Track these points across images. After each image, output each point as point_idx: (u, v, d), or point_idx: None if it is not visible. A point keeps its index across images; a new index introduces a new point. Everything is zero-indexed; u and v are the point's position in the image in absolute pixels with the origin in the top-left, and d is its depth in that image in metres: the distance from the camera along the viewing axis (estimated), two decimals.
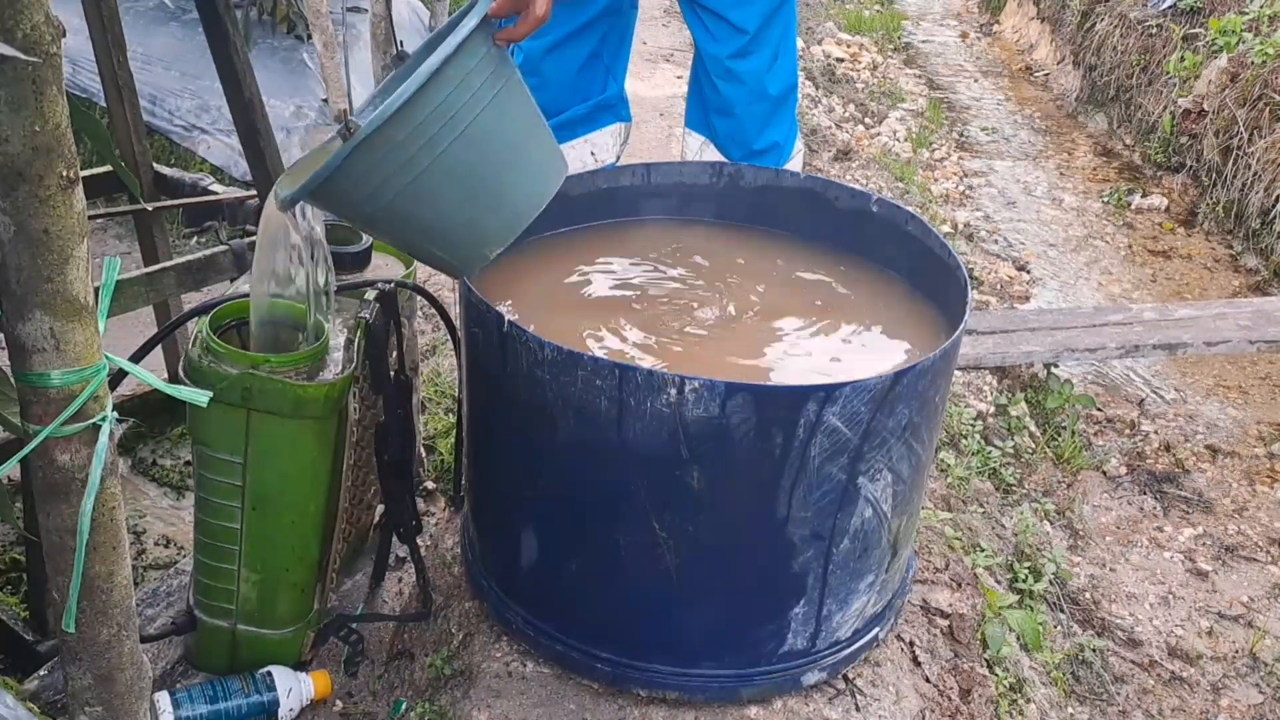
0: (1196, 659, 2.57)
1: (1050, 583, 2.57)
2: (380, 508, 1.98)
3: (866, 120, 5.44)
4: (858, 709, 1.71)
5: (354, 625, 1.87)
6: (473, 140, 1.40)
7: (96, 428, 1.03)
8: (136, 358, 1.54)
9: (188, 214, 2.55)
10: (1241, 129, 4.56)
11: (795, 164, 2.34)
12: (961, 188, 5.14)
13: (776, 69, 2.15)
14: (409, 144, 1.36)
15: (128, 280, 2.09)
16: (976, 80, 6.79)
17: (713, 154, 2.27)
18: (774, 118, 2.21)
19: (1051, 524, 2.92)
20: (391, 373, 1.78)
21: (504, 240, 1.52)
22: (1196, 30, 5.28)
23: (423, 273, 2.79)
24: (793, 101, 2.26)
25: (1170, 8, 5.54)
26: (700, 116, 2.27)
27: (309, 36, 4.01)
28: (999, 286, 4.19)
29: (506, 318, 1.52)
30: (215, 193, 2.51)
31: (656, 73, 5.29)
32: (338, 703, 1.82)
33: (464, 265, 1.57)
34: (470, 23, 1.37)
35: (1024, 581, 2.45)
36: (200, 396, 1.12)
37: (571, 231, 2.02)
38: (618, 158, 2.35)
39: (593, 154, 2.28)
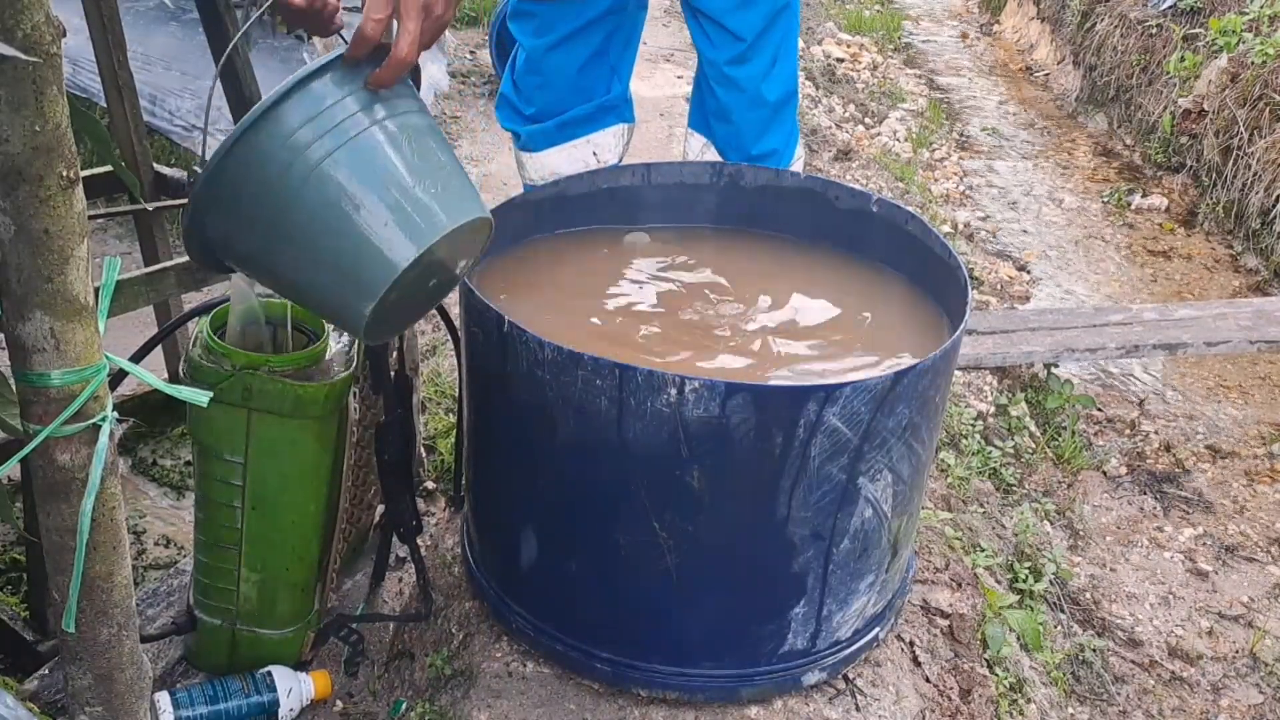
0: (1197, 659, 2.57)
1: (1050, 583, 2.57)
2: (380, 508, 1.98)
3: (866, 120, 5.44)
4: (858, 709, 1.71)
5: (354, 625, 1.87)
6: (322, 180, 1.26)
7: (97, 428, 1.03)
8: (137, 358, 1.54)
9: None
10: (1241, 129, 4.56)
11: (796, 170, 2.34)
12: (961, 188, 5.14)
13: (774, 76, 2.15)
14: (254, 173, 1.27)
15: (128, 280, 2.09)
16: (976, 80, 6.79)
17: (714, 156, 2.27)
18: (772, 124, 2.20)
19: (1051, 524, 2.92)
20: (391, 373, 1.78)
21: (365, 296, 1.30)
22: (1196, 30, 5.28)
23: None
24: (792, 108, 2.25)
25: (1170, 8, 5.54)
26: (702, 119, 2.27)
27: (309, 36, 4.01)
28: (999, 286, 4.19)
29: (506, 318, 1.52)
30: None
31: (657, 73, 5.29)
32: (338, 703, 1.82)
33: (344, 322, 1.38)
34: (313, 65, 1.29)
35: (1024, 581, 2.45)
36: (200, 396, 1.12)
37: (571, 231, 2.02)
38: (620, 159, 2.35)
39: (595, 154, 2.28)
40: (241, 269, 1.42)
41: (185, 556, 2.27)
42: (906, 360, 1.70)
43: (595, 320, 1.83)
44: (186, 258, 2.21)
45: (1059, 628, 2.51)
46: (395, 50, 1.32)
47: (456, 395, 2.13)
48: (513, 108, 2.28)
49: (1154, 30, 5.59)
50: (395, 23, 1.36)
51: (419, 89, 1.45)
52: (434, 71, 4.85)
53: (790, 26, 2.16)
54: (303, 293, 1.37)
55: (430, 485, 2.27)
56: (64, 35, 0.93)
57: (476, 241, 1.41)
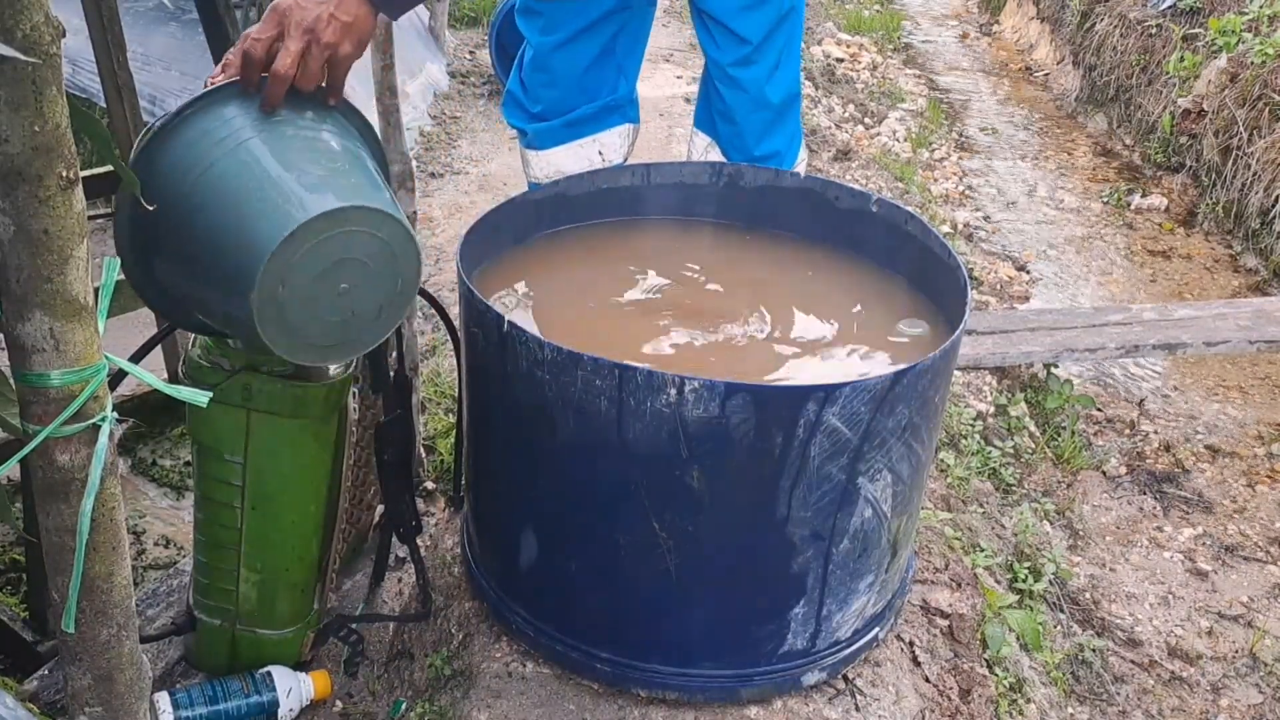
0: (1196, 659, 2.57)
1: (1050, 583, 2.57)
2: (380, 508, 1.98)
3: (866, 120, 5.44)
4: (857, 709, 1.71)
5: (354, 625, 1.87)
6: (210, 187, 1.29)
7: (96, 428, 1.03)
8: (136, 358, 1.54)
9: None
10: (1241, 129, 4.56)
11: (798, 172, 2.34)
12: (961, 188, 5.14)
13: (778, 78, 2.16)
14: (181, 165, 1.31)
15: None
16: (976, 80, 6.79)
17: (718, 155, 2.27)
18: (775, 126, 2.21)
19: (1051, 524, 2.92)
20: (391, 373, 1.78)
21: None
22: (1196, 30, 5.28)
23: (422, 273, 2.78)
24: (795, 110, 2.26)
25: (1170, 8, 5.54)
26: (708, 118, 2.28)
27: None
28: (999, 286, 4.19)
29: (506, 318, 1.52)
30: None
31: (656, 73, 5.29)
32: (338, 703, 1.82)
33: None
34: (211, 90, 1.34)
35: (1024, 581, 2.45)
36: (200, 397, 1.12)
37: (570, 231, 2.02)
38: (624, 159, 2.36)
39: (600, 154, 2.29)
40: (183, 312, 1.44)
41: (185, 557, 2.27)
42: (906, 360, 1.70)
43: (595, 320, 1.83)
44: None
45: (1059, 628, 2.51)
46: (273, 67, 1.36)
47: (456, 395, 2.13)
48: (519, 105, 2.29)
49: (1153, 30, 5.59)
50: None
51: (376, 123, 1.47)
52: (433, 71, 4.85)
53: (795, 30, 2.18)
54: (213, 314, 1.38)
55: (430, 485, 2.27)
56: (64, 35, 0.93)
57: (398, 252, 1.34)
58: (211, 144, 1.30)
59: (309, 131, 1.37)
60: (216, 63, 2.18)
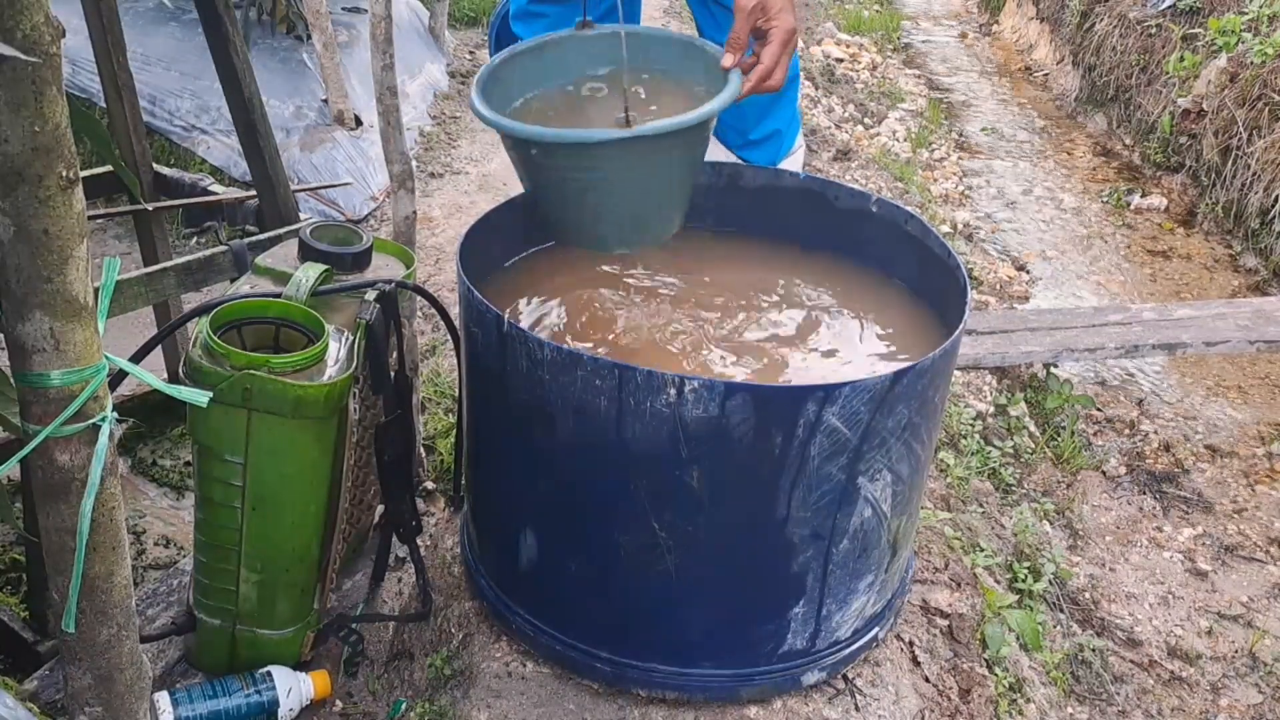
0: (1196, 659, 2.57)
1: (1050, 583, 2.57)
2: (380, 508, 1.98)
3: (866, 120, 5.44)
4: (857, 709, 1.71)
5: (354, 625, 1.87)
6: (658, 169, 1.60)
7: (96, 428, 1.03)
8: (137, 358, 1.54)
9: (188, 214, 2.55)
10: (1241, 129, 4.56)
11: (796, 160, 2.35)
12: (961, 188, 5.15)
13: None
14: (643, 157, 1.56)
15: (128, 280, 2.09)
16: (976, 80, 6.79)
17: (715, 145, 2.28)
18: (774, 107, 2.23)
19: (1051, 524, 2.92)
20: (391, 373, 1.78)
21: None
22: (1196, 30, 5.28)
23: (422, 273, 2.79)
24: (794, 92, 2.28)
25: (1170, 8, 5.54)
26: None
27: (309, 36, 4.01)
28: (999, 286, 4.19)
29: (506, 318, 1.52)
30: (215, 193, 2.51)
31: None
32: (338, 703, 1.82)
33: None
34: (721, 101, 1.57)
35: (1023, 581, 2.45)
36: (200, 397, 1.12)
37: None
38: None
39: None
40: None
41: (185, 556, 2.27)
42: (906, 360, 1.70)
43: (595, 320, 1.83)
44: (186, 258, 2.22)
45: (1058, 627, 2.51)
46: (769, 83, 1.62)
47: (456, 395, 2.13)
48: None
49: (1153, 30, 5.59)
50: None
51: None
52: (433, 71, 4.85)
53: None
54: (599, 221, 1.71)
55: (430, 485, 2.27)
56: (63, 35, 0.93)
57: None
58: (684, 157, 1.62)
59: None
60: (217, 63, 2.18)
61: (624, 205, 1.64)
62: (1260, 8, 4.92)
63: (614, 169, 1.57)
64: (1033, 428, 3.29)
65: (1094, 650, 2.46)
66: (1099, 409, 3.51)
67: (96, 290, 1.03)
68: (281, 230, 2.25)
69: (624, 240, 1.74)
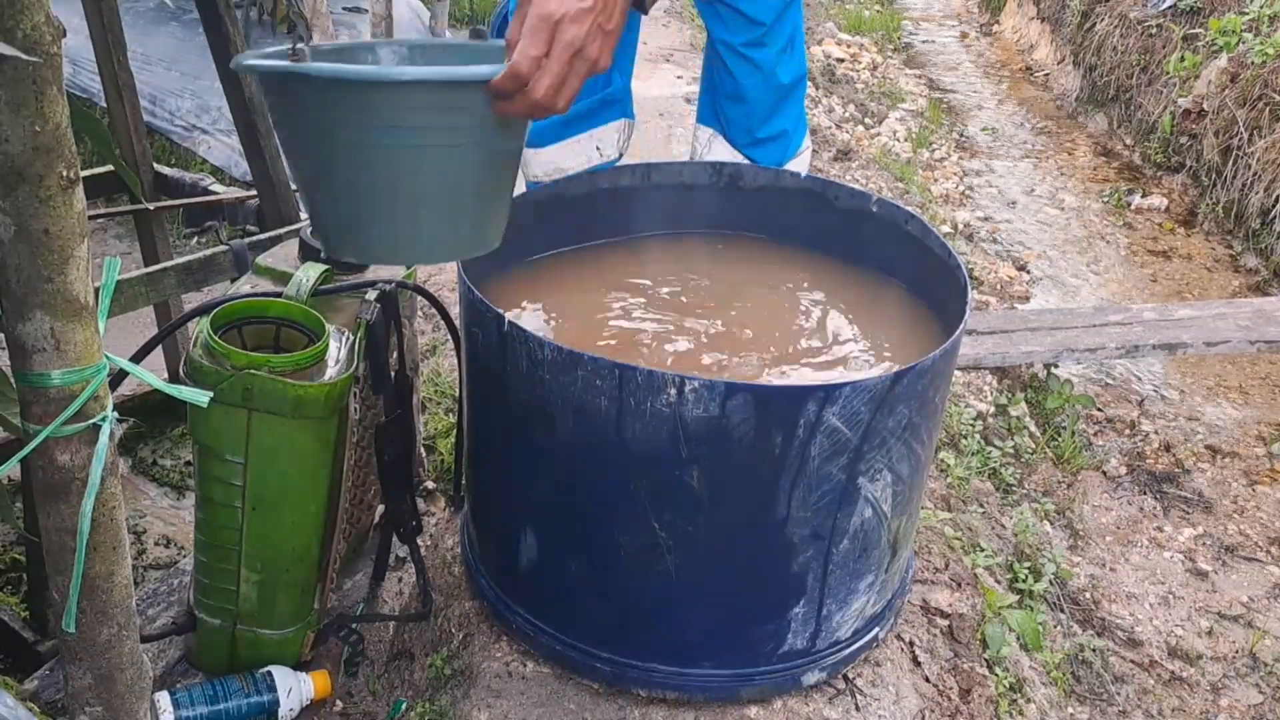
0: (1196, 659, 2.57)
1: (1050, 583, 2.57)
2: (380, 508, 1.98)
3: (866, 120, 5.44)
4: (858, 709, 1.71)
5: (354, 625, 1.87)
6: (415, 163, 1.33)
7: (97, 428, 1.03)
8: (137, 358, 1.54)
9: (188, 214, 2.55)
10: (1241, 129, 4.56)
11: (804, 161, 2.35)
12: (961, 188, 5.15)
13: (789, 58, 2.19)
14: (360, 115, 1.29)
15: (128, 280, 2.10)
16: (976, 80, 6.79)
17: (721, 146, 2.28)
18: (782, 106, 2.23)
19: (1051, 524, 2.92)
20: (391, 373, 1.78)
21: (401, 256, 1.50)
22: (1196, 30, 5.28)
23: (422, 273, 2.79)
24: (801, 92, 2.28)
25: (1170, 8, 5.54)
26: (710, 108, 2.29)
27: (309, 36, 4.01)
28: (999, 286, 4.19)
29: (506, 318, 1.52)
30: (215, 193, 2.51)
31: (656, 73, 5.29)
32: (338, 703, 1.82)
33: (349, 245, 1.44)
34: (476, 72, 1.29)
35: (1024, 581, 2.45)
36: (201, 397, 1.12)
37: (570, 232, 2.02)
38: (620, 154, 2.36)
39: (598, 149, 2.29)
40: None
41: (185, 556, 2.27)
42: (906, 360, 1.70)
43: (595, 320, 1.83)
44: (186, 258, 2.22)
45: (1059, 628, 2.51)
46: (536, 98, 1.26)
47: (456, 395, 2.14)
48: None
49: (1154, 30, 5.59)
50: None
51: None
52: None
53: (800, 14, 2.22)
54: (326, 202, 1.41)
55: (430, 485, 2.27)
56: (64, 35, 0.93)
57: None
58: (438, 127, 1.29)
59: (510, 143, 1.39)
60: (217, 63, 2.18)
61: (390, 185, 1.34)
62: (1261, 8, 4.92)
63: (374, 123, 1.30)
64: (1033, 428, 3.29)
65: (1094, 650, 2.46)
66: (1099, 409, 3.51)
67: (97, 290, 1.03)
68: (282, 230, 2.26)
69: (394, 242, 1.41)
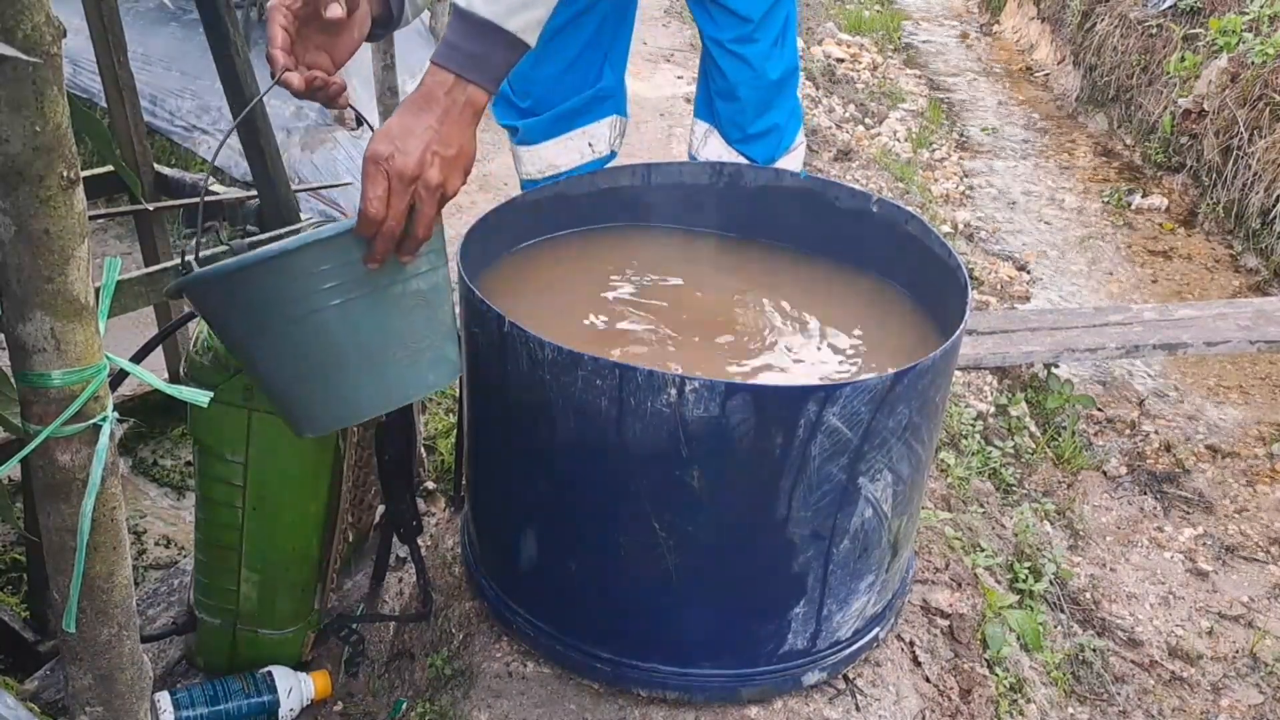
0: (1197, 659, 2.57)
1: (1050, 583, 2.57)
2: (380, 508, 1.98)
3: (866, 120, 5.44)
4: (858, 709, 1.71)
5: (354, 625, 1.87)
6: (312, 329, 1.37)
7: (97, 428, 1.03)
8: (137, 358, 1.54)
9: (188, 214, 2.56)
10: (1241, 129, 4.56)
11: (797, 157, 2.35)
12: (961, 188, 5.15)
13: (778, 53, 2.19)
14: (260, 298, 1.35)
15: (128, 280, 2.09)
16: (976, 80, 6.79)
17: (716, 140, 2.28)
18: (774, 101, 2.24)
19: (1051, 524, 2.92)
20: None
21: (317, 425, 1.47)
22: (1196, 30, 5.28)
23: None
24: (793, 87, 2.28)
25: (1170, 8, 5.54)
26: (705, 103, 2.30)
27: None
28: (999, 286, 4.19)
29: (506, 318, 1.52)
30: (215, 193, 2.51)
31: (657, 73, 5.29)
32: (338, 703, 1.82)
33: (295, 422, 1.48)
34: (338, 226, 1.34)
35: (1024, 581, 2.45)
36: (201, 397, 1.12)
37: (570, 233, 2.02)
38: (613, 150, 2.37)
39: (590, 145, 2.30)
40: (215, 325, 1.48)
41: (185, 556, 2.27)
42: (906, 360, 1.70)
43: (595, 320, 1.83)
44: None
45: (1059, 628, 2.51)
46: (381, 229, 1.32)
47: (456, 395, 2.14)
48: (508, 103, 2.30)
49: (1154, 30, 5.59)
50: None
51: None
52: None
53: (791, 9, 2.22)
54: (268, 386, 1.45)
55: (430, 485, 2.27)
56: (64, 35, 0.93)
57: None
58: (318, 290, 1.33)
59: (406, 283, 1.40)
60: (217, 63, 2.18)
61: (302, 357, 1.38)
62: (1261, 8, 4.92)
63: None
64: (1033, 428, 3.29)
65: (1095, 650, 2.46)
66: (1100, 409, 3.51)
67: (97, 290, 1.03)
68: (282, 230, 2.25)
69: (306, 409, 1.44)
